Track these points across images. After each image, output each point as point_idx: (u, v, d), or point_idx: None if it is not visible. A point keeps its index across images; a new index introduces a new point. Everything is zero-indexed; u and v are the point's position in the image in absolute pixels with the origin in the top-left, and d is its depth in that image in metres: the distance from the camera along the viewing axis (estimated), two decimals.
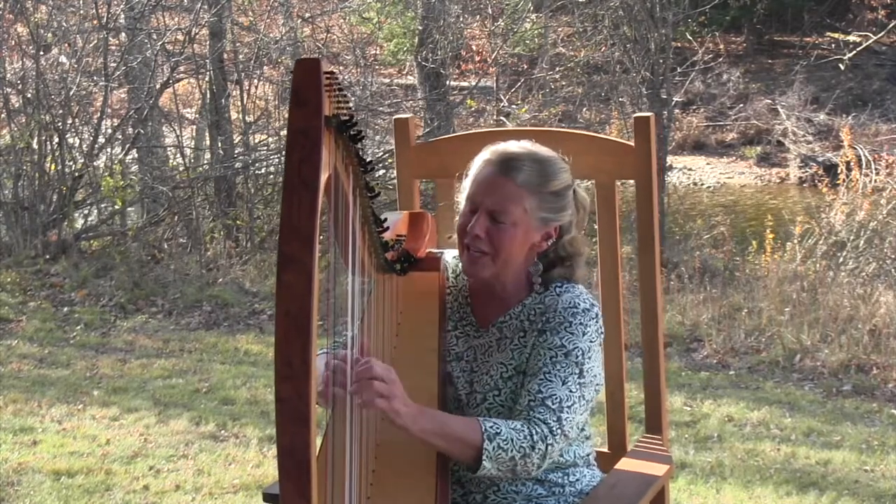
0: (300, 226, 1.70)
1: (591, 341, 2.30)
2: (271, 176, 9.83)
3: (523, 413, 2.24)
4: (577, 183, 2.41)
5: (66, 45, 9.80)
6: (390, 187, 7.69)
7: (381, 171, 9.18)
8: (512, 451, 2.16)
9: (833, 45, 17.61)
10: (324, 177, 1.73)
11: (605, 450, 2.73)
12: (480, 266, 2.34)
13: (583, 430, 2.39)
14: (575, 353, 2.28)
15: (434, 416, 2.16)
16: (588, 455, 2.45)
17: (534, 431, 2.19)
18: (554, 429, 2.20)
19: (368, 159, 2.04)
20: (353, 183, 2.01)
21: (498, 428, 2.16)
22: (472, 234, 2.31)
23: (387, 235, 2.28)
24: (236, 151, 10.10)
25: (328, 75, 1.76)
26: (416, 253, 2.49)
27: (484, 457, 2.14)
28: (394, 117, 2.94)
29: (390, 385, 2.04)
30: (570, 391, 2.25)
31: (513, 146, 2.35)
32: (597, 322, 2.34)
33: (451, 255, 2.56)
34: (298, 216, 1.70)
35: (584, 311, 2.32)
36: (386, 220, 2.23)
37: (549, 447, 2.20)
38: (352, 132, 1.90)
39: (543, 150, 2.36)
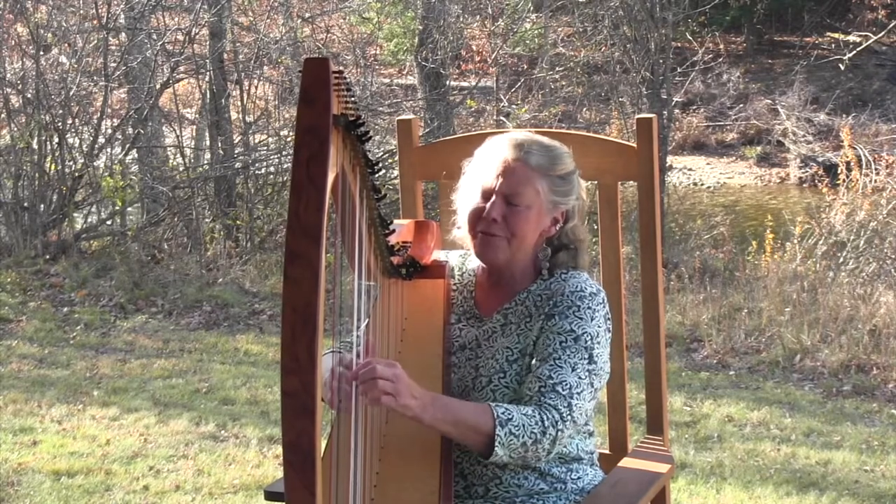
0: (307, 222, 1.71)
1: (599, 326, 2.33)
2: (271, 176, 9.83)
3: (534, 398, 2.26)
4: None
5: (66, 45, 9.79)
6: (390, 188, 7.70)
7: (381, 172, 9.18)
8: (524, 436, 2.18)
9: (833, 45, 17.62)
10: (331, 175, 1.74)
11: (607, 451, 2.73)
12: (495, 248, 2.37)
13: (586, 423, 2.40)
14: (584, 337, 2.30)
15: (446, 404, 2.18)
16: (592, 454, 2.46)
17: (545, 417, 2.21)
18: (564, 415, 2.23)
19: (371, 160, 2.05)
20: (359, 184, 2.03)
21: (510, 414, 2.18)
22: (489, 218, 2.35)
23: (392, 239, 2.29)
24: (236, 151, 10.10)
25: (336, 75, 1.77)
26: (422, 260, 2.50)
27: (496, 443, 2.16)
28: (397, 119, 2.94)
29: (395, 382, 2.06)
30: (580, 378, 2.27)
31: (518, 133, 2.43)
32: (604, 307, 2.37)
33: (456, 255, 2.58)
34: (306, 213, 1.71)
35: (592, 296, 2.35)
36: (392, 223, 2.24)
37: (560, 432, 2.22)
38: (359, 132, 1.91)
39: (546, 138, 2.44)
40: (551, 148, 2.39)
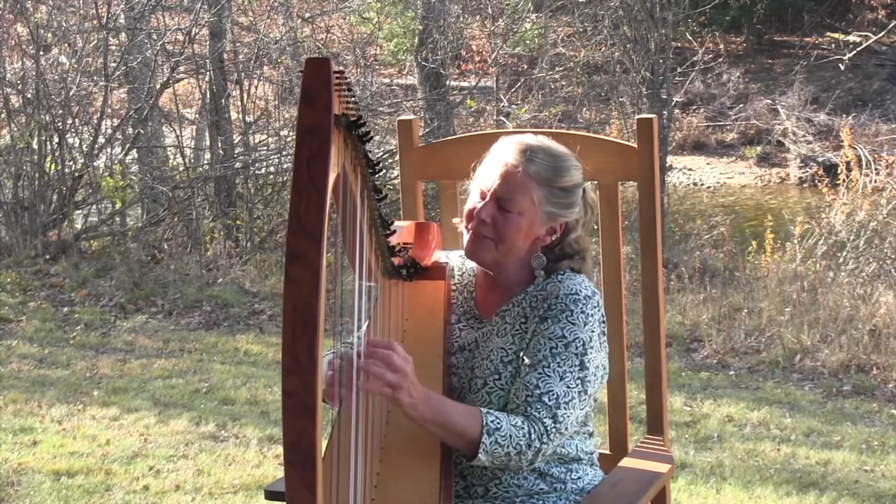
0: (308, 222, 1.71)
1: (592, 331, 2.31)
2: (271, 176, 9.83)
3: (520, 408, 2.25)
4: (587, 184, 2.42)
5: (66, 45, 9.80)
6: (390, 188, 7.70)
7: (381, 172, 9.16)
8: (508, 447, 2.18)
9: (833, 45, 17.62)
10: (332, 176, 1.74)
11: (607, 451, 2.73)
12: (482, 249, 2.36)
13: (586, 424, 2.40)
14: (575, 343, 2.28)
15: (438, 406, 2.16)
16: (592, 454, 2.46)
17: (532, 430, 2.20)
18: (549, 427, 2.22)
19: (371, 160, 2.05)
20: (360, 184, 2.02)
21: (499, 423, 2.18)
22: (479, 218, 2.33)
23: (393, 240, 2.29)
24: (236, 151, 10.10)
25: (337, 74, 1.77)
26: (423, 261, 2.50)
27: (481, 450, 2.16)
28: (397, 119, 2.95)
29: (400, 377, 2.05)
30: (569, 386, 2.25)
31: (529, 138, 2.39)
32: (599, 310, 2.35)
33: (456, 256, 2.58)
34: (307, 213, 1.71)
35: (586, 299, 2.33)
36: (393, 223, 2.24)
37: (545, 445, 2.22)
38: (360, 132, 1.91)
39: (558, 146, 2.39)
40: (558, 158, 2.35)
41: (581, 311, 2.30)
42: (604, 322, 2.36)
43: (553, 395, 2.23)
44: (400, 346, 2.08)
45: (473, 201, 2.37)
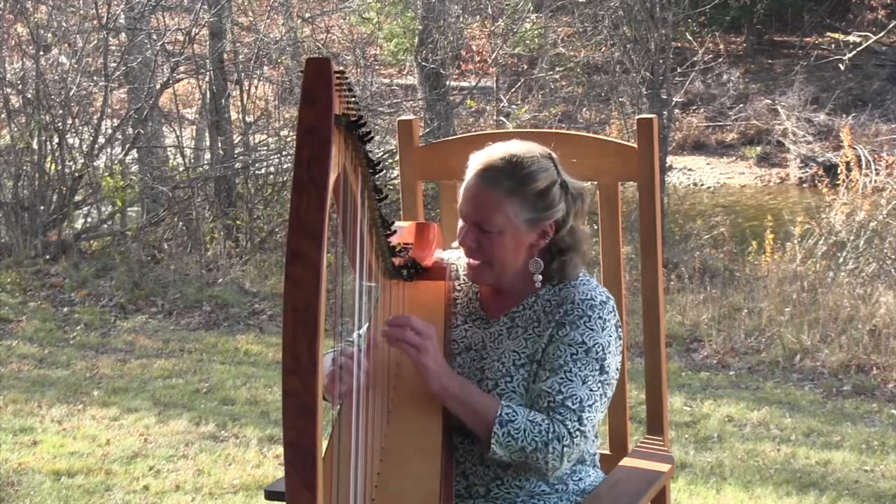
0: (308, 222, 1.71)
1: (610, 335, 2.32)
2: (271, 176, 9.84)
3: (543, 414, 2.25)
4: (565, 176, 2.37)
5: (66, 45, 9.80)
6: (390, 188, 7.70)
7: (381, 172, 9.15)
8: (523, 441, 2.18)
9: (833, 46, 17.62)
10: (332, 176, 1.74)
11: (607, 451, 2.73)
12: (479, 273, 2.39)
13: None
14: (595, 349, 2.29)
15: (462, 383, 2.22)
16: (594, 455, 2.47)
17: (551, 430, 2.20)
18: (573, 430, 2.21)
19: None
20: (361, 184, 2.03)
21: (514, 416, 2.18)
22: (465, 246, 2.36)
23: (393, 240, 2.29)
24: (236, 151, 10.10)
25: (338, 75, 1.77)
26: (423, 262, 2.50)
27: (493, 440, 2.17)
28: (397, 119, 2.95)
29: (425, 340, 2.12)
30: (591, 390, 2.26)
31: (494, 152, 2.35)
32: (614, 315, 2.36)
33: (458, 255, 2.57)
34: (307, 213, 1.71)
35: (602, 304, 2.34)
36: (393, 223, 2.24)
37: (567, 448, 2.21)
38: (361, 133, 1.91)
39: (525, 152, 2.34)
40: (522, 165, 2.31)
41: (598, 316, 2.31)
42: (619, 327, 2.37)
43: (577, 398, 2.24)
44: (418, 318, 2.15)
45: (460, 227, 2.38)
